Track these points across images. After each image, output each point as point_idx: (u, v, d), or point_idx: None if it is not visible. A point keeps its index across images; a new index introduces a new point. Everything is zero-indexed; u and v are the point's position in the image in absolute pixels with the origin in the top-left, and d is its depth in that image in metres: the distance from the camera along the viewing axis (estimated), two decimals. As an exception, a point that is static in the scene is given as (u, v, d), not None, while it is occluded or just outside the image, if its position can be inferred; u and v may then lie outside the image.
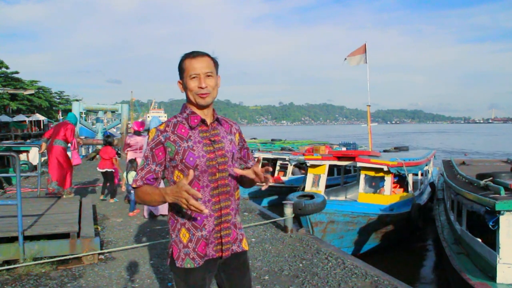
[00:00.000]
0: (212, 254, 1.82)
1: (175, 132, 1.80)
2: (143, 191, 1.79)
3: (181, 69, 1.83)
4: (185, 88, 1.84)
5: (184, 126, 1.82)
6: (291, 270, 4.39)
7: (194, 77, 1.79)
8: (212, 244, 1.81)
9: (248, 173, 1.82)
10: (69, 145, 7.02)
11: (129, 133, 8.73)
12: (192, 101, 1.83)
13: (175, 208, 1.83)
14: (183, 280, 1.82)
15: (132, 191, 7.19)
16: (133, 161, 7.45)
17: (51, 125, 47.14)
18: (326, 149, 10.10)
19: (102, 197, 8.44)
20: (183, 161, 1.77)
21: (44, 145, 7.12)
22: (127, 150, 7.81)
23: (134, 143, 7.76)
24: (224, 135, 1.89)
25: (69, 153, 7.16)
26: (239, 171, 1.83)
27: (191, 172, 1.65)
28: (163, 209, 6.93)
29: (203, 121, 1.84)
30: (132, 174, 7.25)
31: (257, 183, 1.88)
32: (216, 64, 1.86)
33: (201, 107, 1.84)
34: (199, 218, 1.79)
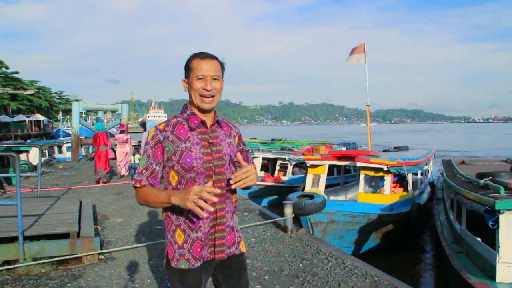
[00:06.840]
0: (206, 256, 1.81)
1: (174, 132, 1.78)
2: (146, 192, 1.76)
3: (188, 68, 1.80)
4: (189, 88, 1.81)
5: (184, 126, 1.80)
6: (291, 270, 4.39)
7: (200, 78, 1.76)
8: (206, 246, 1.80)
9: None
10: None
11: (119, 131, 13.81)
12: (195, 102, 1.80)
13: (170, 209, 1.81)
14: (178, 280, 1.81)
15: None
16: (138, 147, 11.88)
17: (51, 126, 47.30)
18: (326, 149, 10.09)
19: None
20: (180, 162, 1.75)
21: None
22: (116, 143, 11.99)
23: (118, 137, 12.03)
24: (223, 138, 1.87)
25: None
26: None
27: (218, 190, 1.64)
28: None
29: (203, 123, 1.82)
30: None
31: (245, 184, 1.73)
32: (223, 68, 1.85)
33: (203, 111, 1.82)
34: (195, 219, 1.78)
